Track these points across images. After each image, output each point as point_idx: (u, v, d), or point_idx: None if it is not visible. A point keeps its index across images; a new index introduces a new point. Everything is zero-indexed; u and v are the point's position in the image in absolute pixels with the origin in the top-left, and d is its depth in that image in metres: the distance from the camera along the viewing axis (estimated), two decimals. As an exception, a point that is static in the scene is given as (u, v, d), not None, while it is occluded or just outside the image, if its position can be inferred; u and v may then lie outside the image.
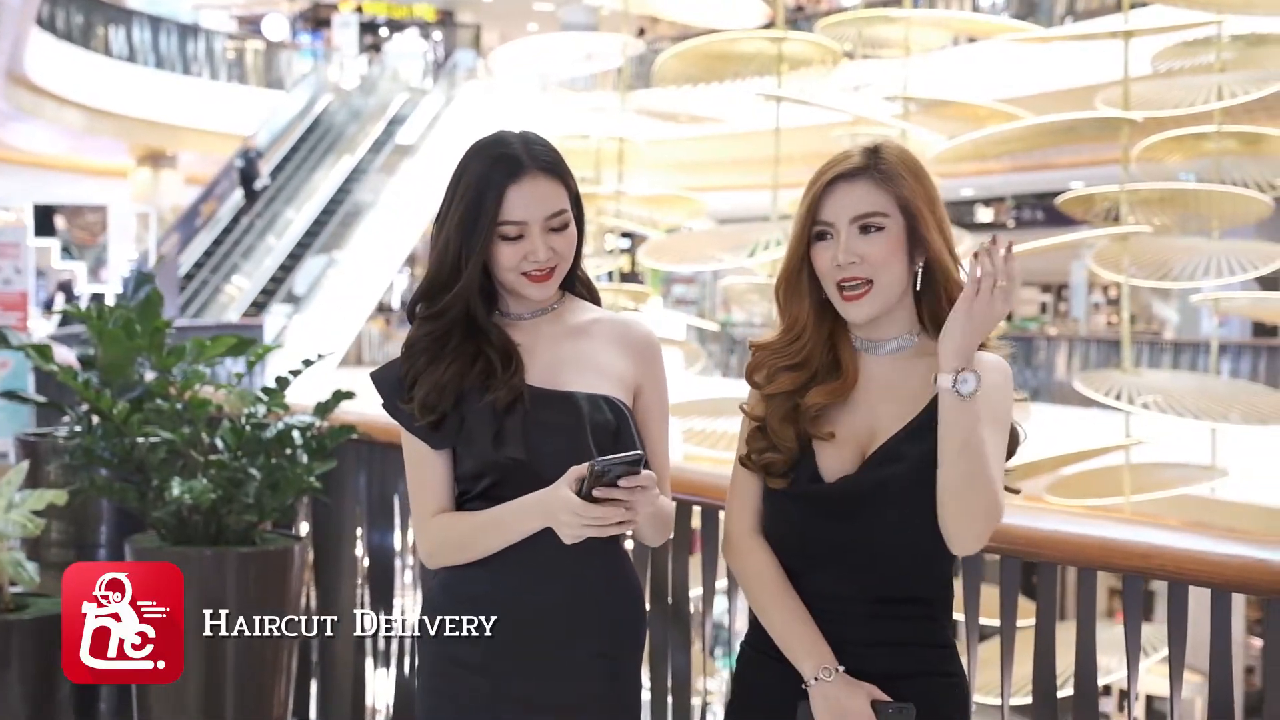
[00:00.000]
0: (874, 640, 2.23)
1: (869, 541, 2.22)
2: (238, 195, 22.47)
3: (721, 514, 3.43)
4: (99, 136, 23.37)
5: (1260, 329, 19.55)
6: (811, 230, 2.28)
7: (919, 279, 2.28)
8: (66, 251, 18.99)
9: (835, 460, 2.26)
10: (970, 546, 2.19)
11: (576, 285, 2.58)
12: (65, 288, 18.13)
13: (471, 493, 2.46)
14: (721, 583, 3.60)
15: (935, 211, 2.27)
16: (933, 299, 2.29)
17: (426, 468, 2.49)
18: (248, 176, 22.03)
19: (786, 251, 2.32)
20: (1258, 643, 15.65)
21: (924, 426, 2.21)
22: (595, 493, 2.24)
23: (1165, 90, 11.42)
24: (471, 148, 2.46)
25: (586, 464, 2.26)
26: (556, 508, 2.29)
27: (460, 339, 2.44)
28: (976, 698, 2.61)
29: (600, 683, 2.45)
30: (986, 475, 2.13)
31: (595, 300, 2.61)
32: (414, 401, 2.44)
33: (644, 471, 2.26)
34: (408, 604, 4.51)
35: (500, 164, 2.41)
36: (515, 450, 2.40)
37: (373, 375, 2.54)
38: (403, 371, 2.47)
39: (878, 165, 2.26)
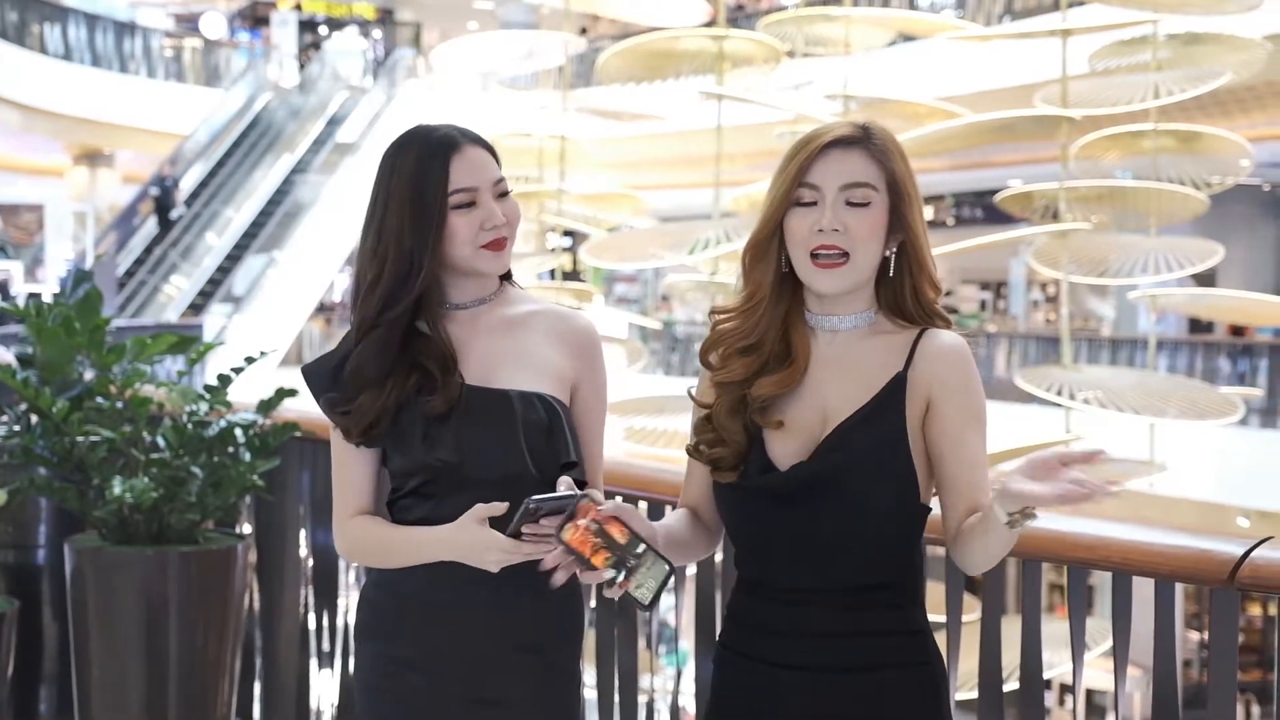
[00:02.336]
0: (848, 631, 2.20)
1: (830, 529, 2.18)
2: (184, 187, 22.12)
3: (669, 510, 3.44)
4: (35, 135, 23.12)
5: (1196, 325, 19.75)
6: (793, 194, 2.23)
7: (891, 263, 2.25)
8: (2, 251, 18.73)
9: (787, 448, 2.22)
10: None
11: (511, 280, 2.58)
12: (1, 287, 17.92)
13: (403, 490, 2.45)
14: (669, 579, 3.59)
15: (918, 195, 2.26)
16: (898, 285, 2.26)
17: (351, 466, 2.48)
18: (163, 205, 21.36)
19: (762, 216, 2.26)
20: (1194, 636, 15.83)
21: (878, 411, 2.19)
22: (525, 529, 2.19)
23: (1103, 89, 11.52)
24: (393, 147, 2.44)
25: (504, 504, 2.24)
26: (481, 547, 2.26)
27: (400, 346, 2.42)
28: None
29: (533, 678, 2.44)
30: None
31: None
32: (351, 415, 2.41)
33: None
34: (351, 603, 4.49)
35: (436, 144, 2.41)
36: (446, 453, 2.38)
37: (304, 370, 2.51)
38: (337, 361, 2.45)
39: (871, 139, 2.24)
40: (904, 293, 2.26)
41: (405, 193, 2.39)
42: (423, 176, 2.39)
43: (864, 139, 2.23)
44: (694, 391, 2.35)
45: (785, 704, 2.22)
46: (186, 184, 22.21)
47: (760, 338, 2.27)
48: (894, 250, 2.24)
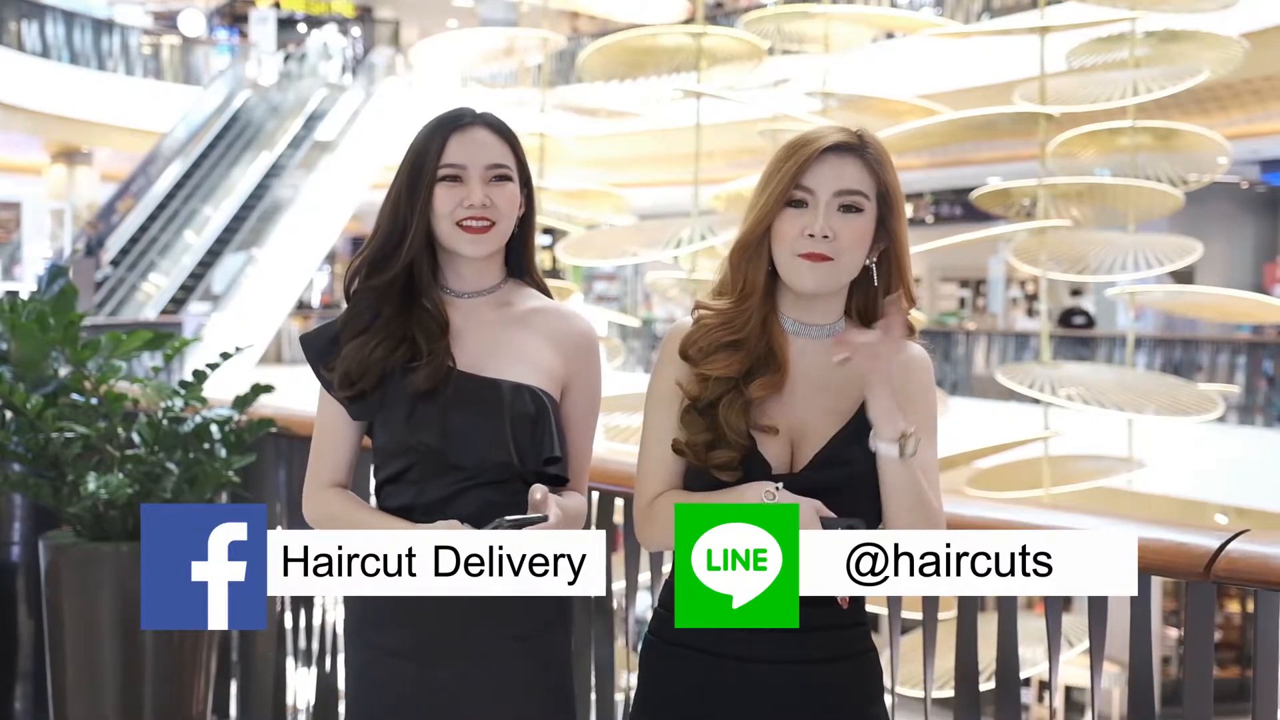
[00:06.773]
0: (812, 626, 2.20)
1: None
2: (162, 185, 21.93)
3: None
4: (12, 132, 23.02)
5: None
6: (788, 195, 2.25)
7: (874, 272, 2.30)
8: (-21, 249, 18.69)
9: (772, 453, 2.25)
10: None
11: (525, 275, 2.59)
12: (-23, 286, 17.84)
13: (387, 475, 2.46)
14: (644, 576, 3.59)
15: (904, 208, 2.31)
16: (873, 293, 2.31)
17: (334, 437, 2.52)
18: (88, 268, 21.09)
19: (752, 216, 2.28)
20: (1173, 633, 15.87)
21: (864, 427, 2.22)
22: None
23: (1081, 86, 11.54)
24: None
25: (492, 521, 2.23)
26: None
27: (395, 310, 2.45)
28: (901, 690, 2.62)
29: (524, 665, 2.45)
30: (930, 511, 2.19)
31: (545, 294, 2.61)
32: (335, 371, 2.44)
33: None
34: (328, 602, 4.47)
35: (445, 118, 2.48)
36: (429, 436, 2.40)
37: (302, 338, 2.54)
38: (339, 328, 2.48)
39: (867, 149, 2.27)
40: (878, 302, 2.29)
41: (408, 161, 2.46)
42: (424, 147, 2.46)
43: (860, 147, 2.27)
44: (680, 380, 2.32)
45: (749, 695, 2.25)
46: (164, 182, 22.11)
47: (746, 334, 2.29)
48: (874, 260, 2.29)
